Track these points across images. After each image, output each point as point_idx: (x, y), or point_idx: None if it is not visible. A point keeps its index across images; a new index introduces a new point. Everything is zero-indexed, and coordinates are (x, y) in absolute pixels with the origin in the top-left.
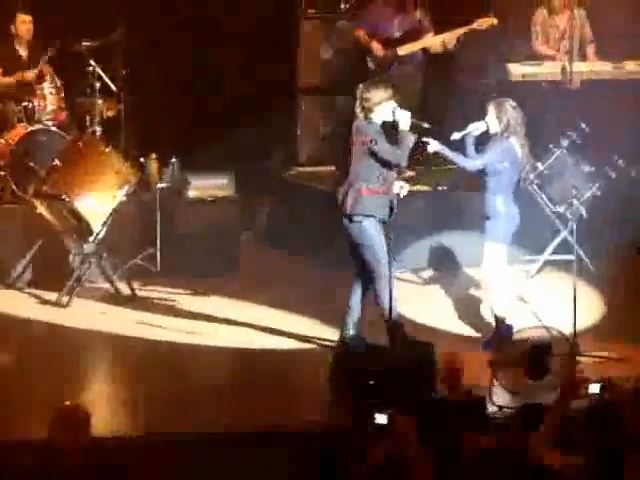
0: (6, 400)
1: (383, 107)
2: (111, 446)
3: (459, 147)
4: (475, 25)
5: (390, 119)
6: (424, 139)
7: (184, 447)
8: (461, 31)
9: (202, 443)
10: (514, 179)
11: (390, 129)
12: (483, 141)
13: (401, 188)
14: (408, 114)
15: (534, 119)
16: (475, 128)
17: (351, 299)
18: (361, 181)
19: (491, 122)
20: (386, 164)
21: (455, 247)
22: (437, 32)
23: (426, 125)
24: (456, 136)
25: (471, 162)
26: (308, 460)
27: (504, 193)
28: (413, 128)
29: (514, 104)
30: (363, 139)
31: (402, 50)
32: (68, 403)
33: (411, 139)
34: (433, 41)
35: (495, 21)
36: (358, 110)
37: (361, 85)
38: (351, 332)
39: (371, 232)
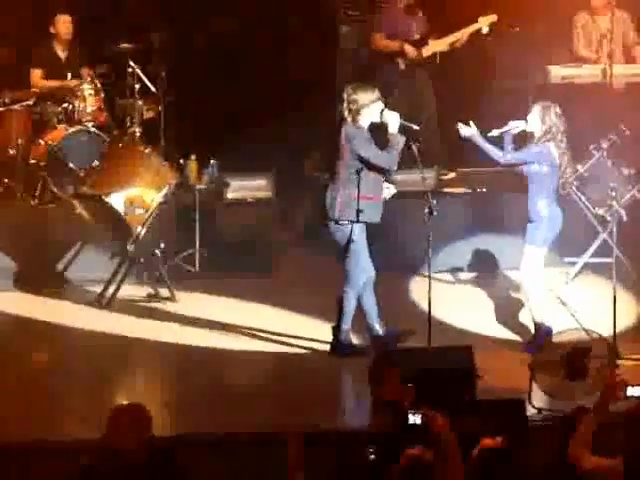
0: (48, 401)
1: (371, 109)
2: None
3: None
4: (479, 24)
5: (378, 120)
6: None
7: (220, 447)
8: (469, 30)
9: (238, 443)
10: (555, 184)
11: (378, 131)
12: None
13: (387, 189)
14: (397, 116)
15: (575, 121)
16: (515, 126)
17: (364, 303)
18: (352, 186)
19: (533, 122)
20: (377, 169)
21: (494, 249)
22: (440, 33)
23: (415, 127)
24: (494, 132)
25: (500, 154)
26: (343, 459)
27: (547, 197)
28: (402, 130)
29: (559, 111)
30: (352, 144)
31: (427, 51)
32: (129, 403)
33: (401, 141)
34: (450, 40)
35: (495, 18)
36: (346, 113)
37: (348, 87)
38: (379, 331)
39: (357, 239)
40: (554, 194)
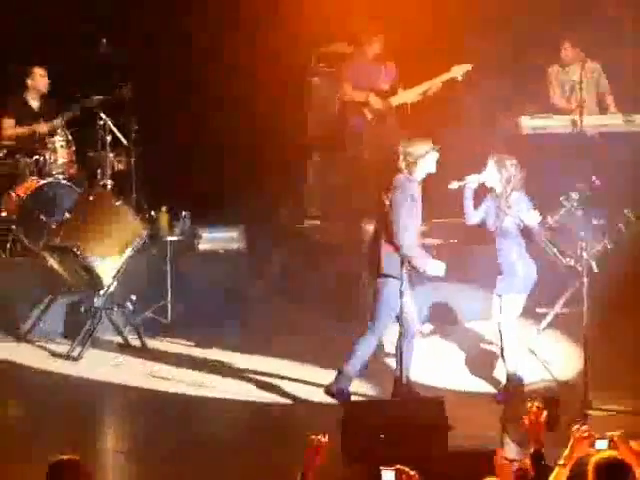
0: (17, 453)
1: (426, 160)
2: None
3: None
4: (452, 72)
5: (434, 171)
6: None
7: None
8: (442, 79)
9: None
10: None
11: None
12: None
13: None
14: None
15: (545, 172)
16: (472, 180)
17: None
18: (403, 238)
19: (491, 176)
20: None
21: (457, 301)
22: (412, 83)
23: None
24: (454, 185)
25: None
26: None
27: (517, 247)
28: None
29: (514, 161)
30: (394, 194)
31: (395, 101)
32: (64, 456)
33: None
34: (422, 89)
35: (470, 67)
36: (403, 165)
37: (403, 140)
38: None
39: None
40: (523, 243)
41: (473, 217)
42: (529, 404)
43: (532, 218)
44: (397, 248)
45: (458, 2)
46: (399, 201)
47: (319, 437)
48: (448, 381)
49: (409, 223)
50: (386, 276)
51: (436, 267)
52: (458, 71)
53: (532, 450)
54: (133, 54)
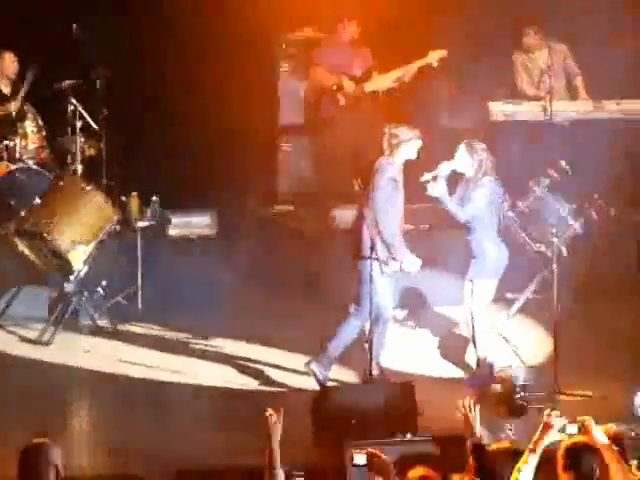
0: None
1: (409, 145)
2: None
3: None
4: (428, 58)
5: (414, 157)
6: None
7: None
8: (418, 64)
9: None
10: (495, 217)
11: None
12: (454, 183)
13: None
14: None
15: (515, 157)
16: (444, 169)
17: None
18: (382, 222)
19: (462, 162)
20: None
21: (427, 286)
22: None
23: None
24: (427, 177)
25: (462, 212)
26: None
27: (489, 231)
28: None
29: (484, 146)
30: (375, 177)
31: (369, 86)
32: (36, 440)
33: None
34: (397, 74)
35: (445, 53)
36: (385, 145)
37: (390, 123)
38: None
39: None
40: (495, 228)
41: (466, 211)
42: (459, 402)
43: (457, 213)
44: (378, 231)
45: None
46: (379, 184)
47: (271, 411)
48: (419, 366)
49: (389, 207)
50: (367, 259)
51: (412, 262)
52: (434, 57)
53: (470, 444)
54: (105, 40)
